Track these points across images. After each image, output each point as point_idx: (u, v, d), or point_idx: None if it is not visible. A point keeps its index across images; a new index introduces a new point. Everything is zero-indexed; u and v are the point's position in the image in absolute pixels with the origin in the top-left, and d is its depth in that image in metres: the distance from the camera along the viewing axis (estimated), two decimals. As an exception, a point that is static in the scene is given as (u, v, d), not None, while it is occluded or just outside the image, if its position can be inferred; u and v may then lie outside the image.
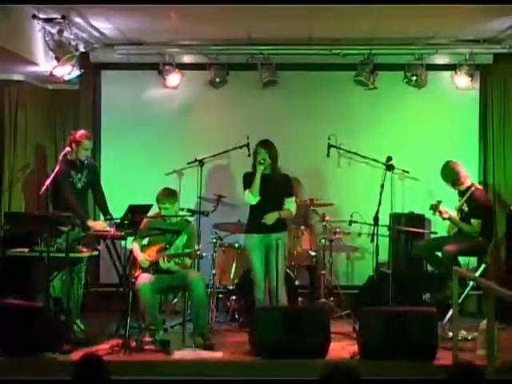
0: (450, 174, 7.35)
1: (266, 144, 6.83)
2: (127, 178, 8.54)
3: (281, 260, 6.71)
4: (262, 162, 6.72)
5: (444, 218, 7.35)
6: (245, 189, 6.82)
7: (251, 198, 6.75)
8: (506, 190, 8.41)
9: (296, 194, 7.24)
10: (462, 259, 7.35)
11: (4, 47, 6.54)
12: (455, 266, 6.22)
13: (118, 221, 6.78)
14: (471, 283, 6.80)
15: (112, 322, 6.81)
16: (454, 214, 7.29)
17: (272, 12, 6.88)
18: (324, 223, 7.86)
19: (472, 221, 7.19)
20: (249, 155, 7.99)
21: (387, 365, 5.77)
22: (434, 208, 7.30)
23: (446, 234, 7.62)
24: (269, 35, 8.07)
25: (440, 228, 7.95)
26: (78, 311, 6.95)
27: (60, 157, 7.05)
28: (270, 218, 6.73)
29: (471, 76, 8.30)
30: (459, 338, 5.97)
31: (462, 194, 7.36)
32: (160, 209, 6.83)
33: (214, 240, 7.78)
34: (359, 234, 8.15)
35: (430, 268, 7.80)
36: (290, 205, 6.92)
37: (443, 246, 7.13)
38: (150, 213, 6.89)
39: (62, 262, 6.68)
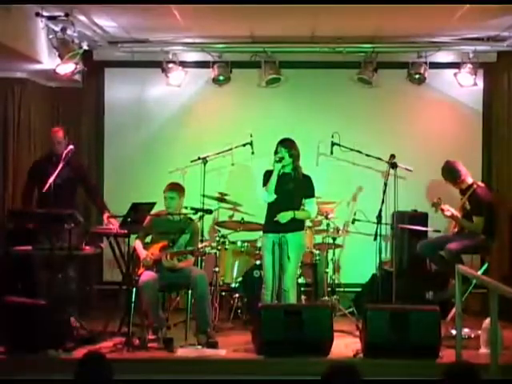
0: (450, 173, 7.34)
1: (285, 143, 6.65)
2: (130, 176, 8.56)
3: (291, 261, 6.56)
4: (277, 160, 6.56)
5: (446, 216, 7.36)
6: (263, 186, 6.69)
7: (266, 196, 6.65)
8: (510, 188, 8.40)
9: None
10: (464, 258, 7.34)
11: (7, 45, 6.53)
12: (458, 264, 6.22)
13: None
14: (474, 281, 6.79)
15: (115, 320, 6.81)
16: (456, 212, 7.28)
17: (275, 10, 6.87)
18: (327, 221, 7.86)
19: (474, 218, 7.19)
20: (252, 153, 8.00)
21: (390, 363, 5.78)
22: (436, 206, 7.30)
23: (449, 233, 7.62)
24: (272, 33, 8.07)
25: (443, 226, 7.95)
26: (82, 309, 6.95)
27: (63, 155, 7.07)
28: (283, 217, 6.56)
29: (475, 74, 8.29)
30: (462, 336, 5.96)
31: (463, 192, 7.35)
32: (165, 199, 6.85)
33: (217, 238, 7.79)
34: (362, 233, 8.14)
35: (433, 266, 7.79)
36: (309, 206, 6.76)
37: (446, 245, 7.13)
38: (154, 211, 6.89)
39: (65, 260, 6.70)
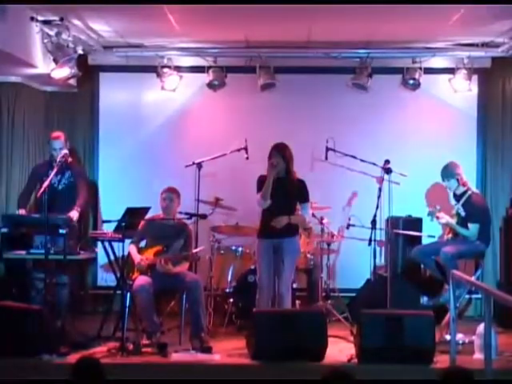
0: (451, 174, 7.30)
1: (279, 147, 6.67)
2: (125, 181, 8.54)
3: (286, 266, 6.55)
4: (272, 165, 6.57)
5: (441, 223, 7.36)
6: (258, 192, 6.69)
7: (262, 201, 6.63)
8: (504, 193, 8.41)
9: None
10: (458, 263, 7.34)
11: (2, 49, 6.52)
12: (453, 268, 6.22)
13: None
14: (468, 286, 6.79)
15: (109, 325, 6.79)
16: (450, 219, 7.27)
17: (270, 15, 6.88)
18: (322, 226, 7.86)
19: (469, 225, 7.18)
20: (247, 158, 7.99)
21: (384, 368, 5.78)
22: (432, 214, 7.27)
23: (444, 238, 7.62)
24: (267, 38, 8.07)
25: (437, 232, 7.96)
26: (76, 314, 6.94)
27: (57, 160, 7.06)
28: (279, 222, 6.56)
29: (469, 79, 8.30)
30: (457, 341, 5.96)
31: (458, 198, 7.35)
32: (164, 200, 6.92)
33: (212, 243, 7.78)
34: (357, 238, 8.14)
35: (427, 272, 7.79)
36: (305, 210, 6.77)
37: (441, 250, 7.13)
38: (148, 215, 6.88)
39: (60, 265, 6.68)
